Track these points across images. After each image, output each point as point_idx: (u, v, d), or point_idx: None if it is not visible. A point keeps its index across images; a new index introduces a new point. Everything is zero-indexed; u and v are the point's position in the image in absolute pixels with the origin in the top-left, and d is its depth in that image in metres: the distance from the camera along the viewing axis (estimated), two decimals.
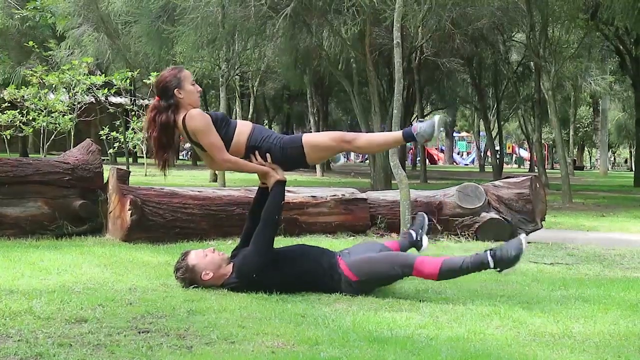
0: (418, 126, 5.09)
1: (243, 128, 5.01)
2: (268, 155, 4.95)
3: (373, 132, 18.78)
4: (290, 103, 39.33)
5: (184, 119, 4.86)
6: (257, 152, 4.95)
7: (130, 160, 25.70)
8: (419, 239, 5.57)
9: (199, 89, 5.05)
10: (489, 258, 4.77)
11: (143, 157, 23.67)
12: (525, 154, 60.83)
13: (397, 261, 4.91)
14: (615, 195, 21.59)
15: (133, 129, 21.83)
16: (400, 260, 4.92)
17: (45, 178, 7.69)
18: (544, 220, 9.10)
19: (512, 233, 8.36)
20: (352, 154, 67.61)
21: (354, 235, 8.34)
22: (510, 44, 28.04)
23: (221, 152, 4.91)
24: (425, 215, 5.76)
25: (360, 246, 5.45)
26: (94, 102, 21.70)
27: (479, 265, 4.82)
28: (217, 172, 18.36)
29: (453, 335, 3.79)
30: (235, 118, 27.66)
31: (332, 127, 43.00)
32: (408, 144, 30.52)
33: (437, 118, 5.17)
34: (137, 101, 25.35)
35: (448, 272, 4.87)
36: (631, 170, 44.63)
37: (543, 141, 34.42)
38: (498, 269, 4.77)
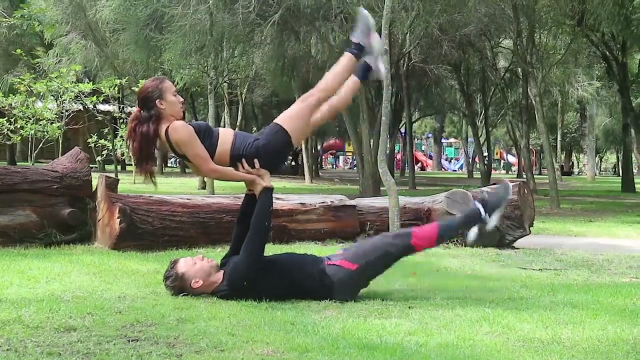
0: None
1: (226, 137, 4.98)
2: (256, 161, 4.94)
3: (362, 140, 18.84)
4: (279, 110, 39.06)
5: (166, 131, 4.84)
6: (243, 161, 4.93)
7: (119, 168, 25.63)
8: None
9: (181, 99, 5.01)
10: (479, 206, 5.01)
11: (131, 164, 23.63)
12: (513, 159, 61.04)
13: (393, 234, 5.00)
14: (602, 200, 21.69)
15: (121, 136, 21.81)
16: (397, 232, 5.03)
17: (34, 186, 7.67)
18: (532, 225, 9.13)
19: (500, 239, 8.40)
20: (341, 161, 67.84)
21: (343, 242, 8.35)
22: (498, 50, 28.15)
23: (207, 162, 4.89)
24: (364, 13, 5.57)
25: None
26: (82, 109, 21.72)
27: (471, 217, 5.06)
28: (205, 179, 18.35)
29: (442, 342, 3.80)
30: (224, 126, 27.71)
31: (321, 133, 43.07)
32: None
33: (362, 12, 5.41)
34: (125, 109, 25.32)
35: (445, 233, 5.08)
36: (618, 175, 44.82)
37: (531, 147, 34.48)
38: (488, 215, 4.97)
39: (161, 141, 4.88)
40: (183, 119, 4.99)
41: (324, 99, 5.20)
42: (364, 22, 5.41)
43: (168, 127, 4.83)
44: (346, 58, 5.36)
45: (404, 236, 5.02)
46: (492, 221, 5.07)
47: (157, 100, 4.86)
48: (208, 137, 4.91)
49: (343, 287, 4.86)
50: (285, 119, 5.08)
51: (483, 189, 9.22)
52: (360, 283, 4.97)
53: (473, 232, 5.15)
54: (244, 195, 5.20)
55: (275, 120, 5.11)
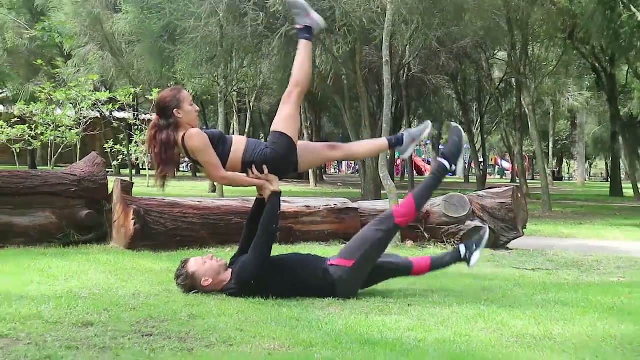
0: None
1: (238, 144, 5.00)
2: (265, 167, 4.95)
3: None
4: None
5: (183, 137, 4.86)
6: (253, 167, 4.95)
7: (134, 172, 25.64)
8: (467, 256, 5.29)
9: (197, 108, 5.04)
10: (443, 160, 5.25)
11: (145, 169, 23.64)
12: (507, 165, 60.85)
13: (376, 222, 5.05)
14: (592, 204, 21.67)
15: (136, 142, 21.82)
16: (379, 218, 5.08)
17: (53, 189, 7.69)
18: (525, 228, 9.12)
19: (495, 241, 8.39)
20: (344, 164, 67.75)
21: (345, 243, 8.32)
22: (493, 62, 28.11)
23: (218, 169, 4.91)
24: (487, 230, 5.59)
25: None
26: (99, 117, 21.74)
27: (439, 171, 5.30)
28: (215, 183, 18.35)
29: (440, 338, 3.80)
30: (233, 132, 27.69)
31: (325, 139, 42.96)
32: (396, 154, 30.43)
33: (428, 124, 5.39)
34: (139, 116, 25.31)
35: (421, 199, 5.22)
36: (607, 180, 44.72)
37: (524, 153, 34.40)
38: (453, 165, 5.22)
39: (178, 147, 4.90)
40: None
41: (302, 89, 5.19)
42: (295, 7, 5.29)
43: (185, 134, 4.85)
44: (302, 45, 5.30)
45: (387, 219, 5.09)
46: (459, 168, 5.32)
47: (175, 110, 4.89)
48: (221, 145, 4.93)
49: (344, 284, 4.87)
50: (279, 123, 5.08)
51: (480, 193, 9.22)
52: (360, 276, 4.97)
53: (475, 258, 5.20)
54: (251, 198, 5.22)
55: (272, 129, 5.11)
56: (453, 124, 5.55)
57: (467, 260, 5.22)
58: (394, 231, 5.14)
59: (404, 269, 5.17)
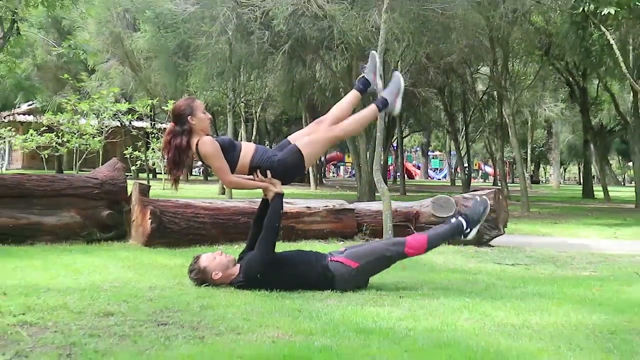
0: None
1: (247, 151, 4.99)
2: (268, 172, 4.95)
3: (359, 152, 18.84)
4: (288, 126, 39.28)
5: (197, 143, 4.86)
6: (258, 171, 4.95)
7: (150, 176, 25.62)
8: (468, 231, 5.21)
9: (209, 116, 5.04)
10: (462, 220, 5.07)
11: (161, 173, 23.63)
12: (489, 170, 60.87)
13: (390, 242, 5.02)
14: (566, 205, 21.65)
15: (153, 148, 21.84)
16: (393, 241, 5.05)
17: (78, 191, 7.69)
18: (506, 226, 9.12)
19: (478, 239, 8.38)
20: (342, 170, 67.77)
21: (342, 240, 8.34)
22: (477, 76, 28.13)
23: (227, 175, 4.90)
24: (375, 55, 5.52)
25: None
26: (119, 126, 21.73)
27: (456, 230, 5.10)
28: (225, 186, 18.35)
29: (428, 327, 3.79)
30: (241, 140, 27.70)
31: None
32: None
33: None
34: (156, 125, 25.35)
35: (433, 244, 5.07)
36: (580, 184, 44.70)
37: (505, 159, 34.43)
38: (469, 229, 5.05)
39: (192, 152, 4.90)
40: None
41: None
42: (372, 61, 5.40)
43: (198, 140, 4.85)
44: (353, 93, 5.36)
45: (399, 244, 5.02)
46: (472, 233, 5.12)
47: (189, 117, 4.88)
48: (231, 151, 4.93)
49: (343, 280, 4.86)
50: (305, 144, 5.04)
51: (465, 195, 9.21)
52: (359, 279, 4.95)
53: (473, 233, 5.14)
54: (257, 199, 5.21)
55: (296, 142, 5.07)
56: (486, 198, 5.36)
57: (466, 234, 5.10)
58: (400, 257, 5.02)
59: (398, 257, 5.06)
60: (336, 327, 3.69)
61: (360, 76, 5.45)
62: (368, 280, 5.05)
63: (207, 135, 4.93)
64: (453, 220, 5.17)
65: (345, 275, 4.85)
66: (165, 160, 5.08)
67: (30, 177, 7.78)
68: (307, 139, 5.13)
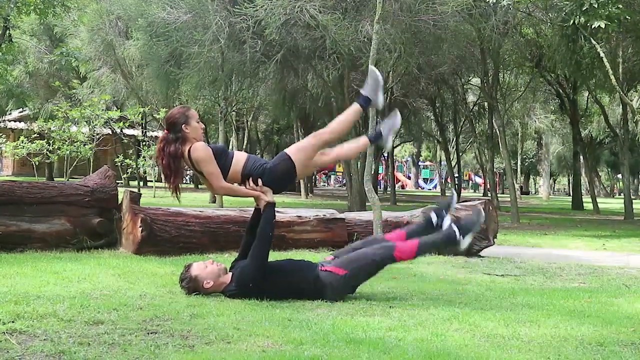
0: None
1: (239, 158, 5.01)
2: (259, 180, 4.96)
3: (350, 162, 18.86)
4: (279, 135, 39.35)
5: (189, 150, 4.87)
6: (250, 179, 4.96)
7: (141, 183, 25.57)
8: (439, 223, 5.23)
9: (203, 126, 5.07)
10: (455, 228, 5.03)
11: (152, 181, 23.60)
12: (480, 180, 61.04)
13: (378, 245, 4.99)
14: (555, 216, 21.72)
15: (144, 156, 21.80)
16: (382, 244, 5.01)
17: (68, 199, 7.66)
18: (496, 237, 9.13)
19: (468, 249, 8.39)
20: (332, 180, 67.81)
21: (333, 250, 8.32)
22: (468, 87, 28.24)
23: (218, 179, 4.91)
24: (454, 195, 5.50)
25: (357, 243, 5.46)
26: (111, 133, 21.75)
27: (448, 238, 5.05)
28: (216, 195, 18.34)
29: (418, 337, 3.79)
30: (232, 149, 27.71)
31: None
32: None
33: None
34: (147, 133, 25.32)
35: (423, 250, 5.05)
36: (569, 195, 44.87)
37: (495, 170, 34.55)
38: (463, 236, 5.00)
39: (184, 159, 4.90)
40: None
41: (331, 140, 5.21)
42: (374, 78, 5.37)
43: (191, 147, 4.87)
44: (354, 107, 5.35)
45: (389, 248, 4.99)
46: (465, 242, 5.06)
47: (183, 125, 4.90)
48: (223, 158, 4.95)
49: (333, 290, 4.85)
50: (294, 150, 5.10)
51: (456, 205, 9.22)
52: (348, 286, 4.95)
53: (466, 241, 5.10)
54: (248, 208, 5.21)
55: (286, 150, 5.13)
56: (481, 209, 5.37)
57: (459, 243, 5.05)
58: (389, 261, 4.97)
59: (388, 261, 5.01)
60: (326, 337, 3.69)
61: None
62: (356, 288, 5.04)
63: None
64: (445, 228, 5.16)
65: (334, 284, 4.84)
66: (159, 168, 5.07)
67: (21, 184, 7.75)
68: (297, 144, 5.20)
